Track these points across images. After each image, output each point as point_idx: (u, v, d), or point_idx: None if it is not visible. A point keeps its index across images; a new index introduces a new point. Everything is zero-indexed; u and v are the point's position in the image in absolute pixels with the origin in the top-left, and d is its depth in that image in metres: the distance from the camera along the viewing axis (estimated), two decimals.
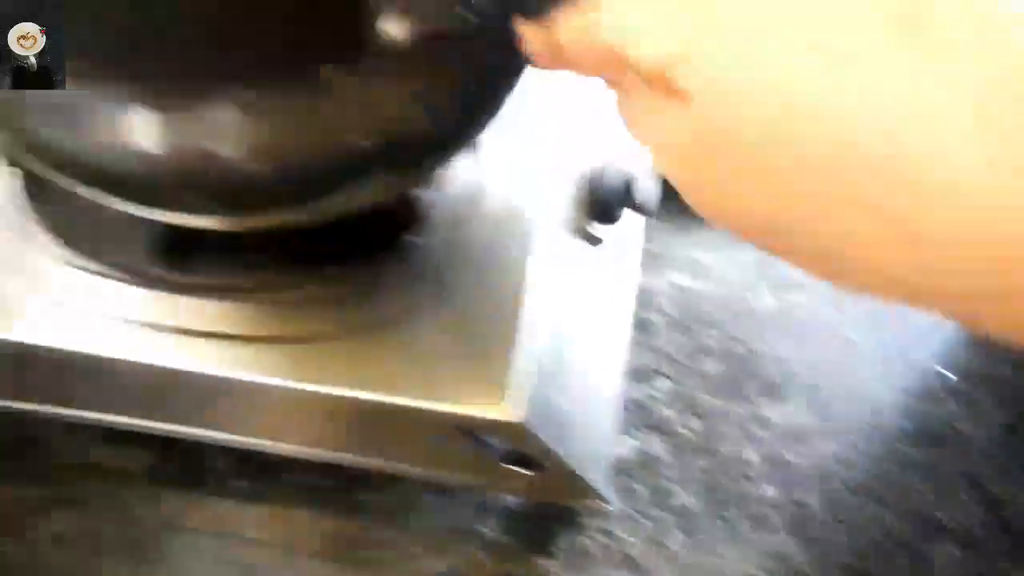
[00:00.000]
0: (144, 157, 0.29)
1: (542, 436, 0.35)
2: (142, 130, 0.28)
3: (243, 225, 0.35)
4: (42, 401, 0.45)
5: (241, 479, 0.47)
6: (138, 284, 0.38)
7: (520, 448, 0.36)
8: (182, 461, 0.47)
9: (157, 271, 0.38)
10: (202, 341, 0.37)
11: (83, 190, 0.32)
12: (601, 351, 0.42)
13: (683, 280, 0.51)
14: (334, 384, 0.36)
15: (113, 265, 0.39)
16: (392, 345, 0.36)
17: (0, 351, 0.38)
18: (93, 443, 0.47)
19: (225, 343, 0.37)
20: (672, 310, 0.51)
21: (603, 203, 0.40)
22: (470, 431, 0.37)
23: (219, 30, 0.27)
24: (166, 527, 0.46)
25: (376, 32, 0.27)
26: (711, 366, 0.49)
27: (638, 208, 0.40)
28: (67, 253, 0.39)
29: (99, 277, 0.39)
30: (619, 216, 0.40)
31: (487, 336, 0.36)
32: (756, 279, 0.52)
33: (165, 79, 0.28)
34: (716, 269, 0.52)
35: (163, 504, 0.47)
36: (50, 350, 0.38)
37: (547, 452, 0.36)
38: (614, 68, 0.22)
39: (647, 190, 0.40)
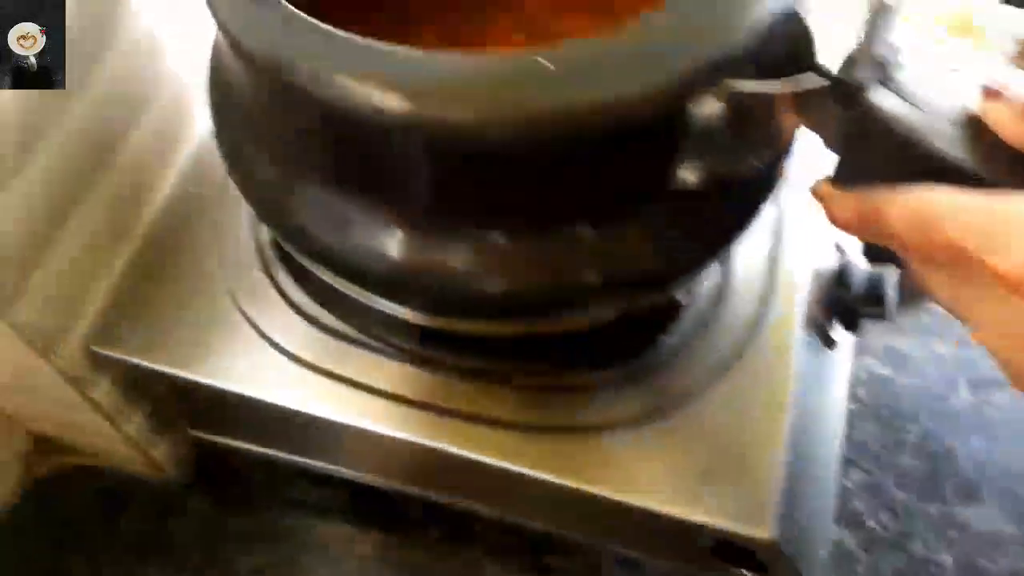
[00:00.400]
0: (392, 264, 0.30)
1: (790, 555, 0.35)
2: (396, 245, 0.29)
3: (472, 328, 0.36)
4: (252, 441, 0.47)
5: (434, 528, 0.48)
6: (382, 353, 0.39)
7: (759, 557, 0.36)
8: (379, 505, 0.48)
9: (406, 344, 0.39)
10: (435, 416, 0.38)
11: (328, 277, 0.33)
12: (825, 451, 0.42)
13: (882, 369, 0.51)
14: (567, 477, 0.36)
15: (359, 329, 0.40)
16: (636, 444, 0.36)
17: (223, 397, 0.39)
18: (295, 480, 0.49)
19: (466, 423, 0.37)
20: (870, 400, 0.50)
21: (849, 309, 0.39)
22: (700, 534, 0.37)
23: (492, 190, 0.28)
24: (361, 567, 0.47)
25: (672, 181, 0.28)
26: (906, 461, 0.49)
27: (883, 316, 0.39)
28: (310, 308, 0.40)
29: (340, 339, 0.40)
30: (861, 324, 0.40)
31: (739, 446, 0.35)
32: (954, 373, 0.51)
33: (424, 217, 0.29)
34: (914, 360, 0.51)
35: (359, 545, 0.48)
36: (276, 407, 0.39)
37: (788, 566, 0.36)
38: (953, 260, 0.23)
39: (891, 298, 0.39)
